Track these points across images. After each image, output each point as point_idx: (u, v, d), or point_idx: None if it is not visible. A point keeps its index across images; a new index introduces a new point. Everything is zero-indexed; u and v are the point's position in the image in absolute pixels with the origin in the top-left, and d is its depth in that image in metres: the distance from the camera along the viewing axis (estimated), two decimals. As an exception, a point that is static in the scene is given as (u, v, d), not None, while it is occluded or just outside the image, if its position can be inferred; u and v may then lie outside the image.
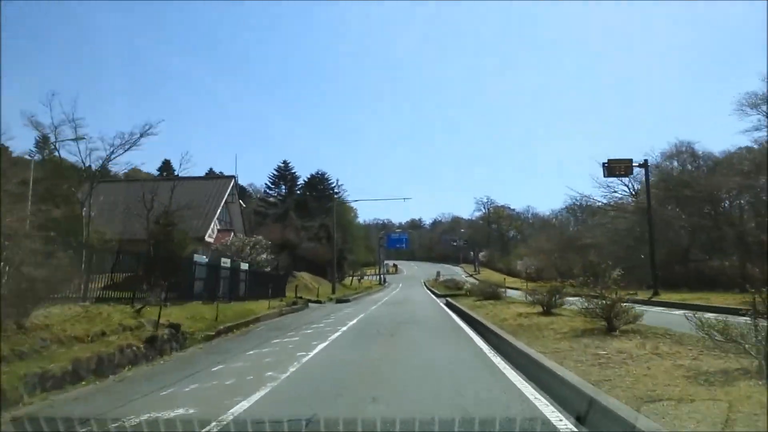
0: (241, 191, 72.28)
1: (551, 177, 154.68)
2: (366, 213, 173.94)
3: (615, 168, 28.76)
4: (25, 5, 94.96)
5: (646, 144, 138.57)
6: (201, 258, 19.80)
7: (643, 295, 24.41)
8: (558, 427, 4.79)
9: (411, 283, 78.54)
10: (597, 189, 56.86)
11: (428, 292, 50.40)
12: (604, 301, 9.88)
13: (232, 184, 43.13)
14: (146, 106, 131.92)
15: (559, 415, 5.15)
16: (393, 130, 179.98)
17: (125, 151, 23.28)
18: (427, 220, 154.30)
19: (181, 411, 5.73)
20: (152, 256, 18.46)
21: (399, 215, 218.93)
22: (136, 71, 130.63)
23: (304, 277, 40.32)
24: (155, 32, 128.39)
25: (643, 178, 31.53)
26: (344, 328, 15.16)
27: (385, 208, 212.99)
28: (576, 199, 57.89)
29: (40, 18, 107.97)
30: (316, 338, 12.66)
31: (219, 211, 39.78)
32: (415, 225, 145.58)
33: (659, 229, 39.18)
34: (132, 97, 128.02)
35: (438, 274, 65.40)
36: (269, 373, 7.90)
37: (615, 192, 45.37)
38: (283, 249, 40.71)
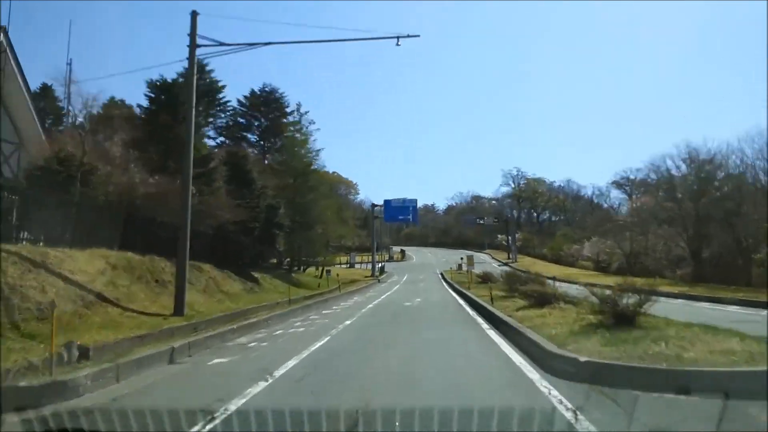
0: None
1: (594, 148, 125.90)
2: (372, 193, 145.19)
3: None
4: None
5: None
6: None
7: None
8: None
9: (421, 275, 50.38)
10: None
11: (458, 300, 22.66)
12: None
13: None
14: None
15: None
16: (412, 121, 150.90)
17: None
18: (441, 205, 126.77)
19: None
20: None
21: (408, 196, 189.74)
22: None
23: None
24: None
25: None
26: None
27: (391, 186, 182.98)
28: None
29: None
30: None
31: None
32: (427, 210, 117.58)
33: None
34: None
35: (468, 259, 36.67)
36: None
37: None
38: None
